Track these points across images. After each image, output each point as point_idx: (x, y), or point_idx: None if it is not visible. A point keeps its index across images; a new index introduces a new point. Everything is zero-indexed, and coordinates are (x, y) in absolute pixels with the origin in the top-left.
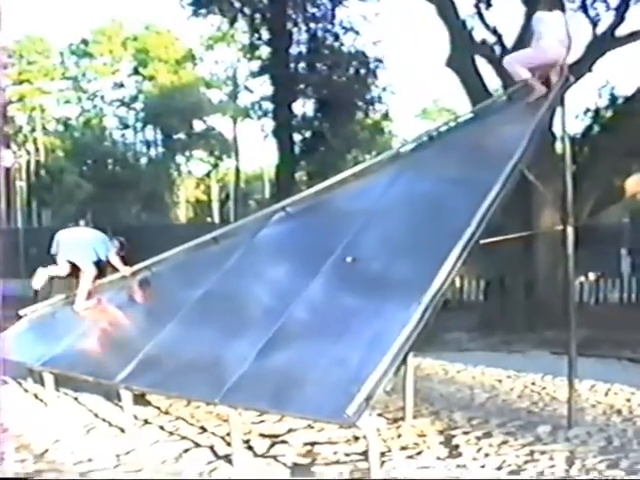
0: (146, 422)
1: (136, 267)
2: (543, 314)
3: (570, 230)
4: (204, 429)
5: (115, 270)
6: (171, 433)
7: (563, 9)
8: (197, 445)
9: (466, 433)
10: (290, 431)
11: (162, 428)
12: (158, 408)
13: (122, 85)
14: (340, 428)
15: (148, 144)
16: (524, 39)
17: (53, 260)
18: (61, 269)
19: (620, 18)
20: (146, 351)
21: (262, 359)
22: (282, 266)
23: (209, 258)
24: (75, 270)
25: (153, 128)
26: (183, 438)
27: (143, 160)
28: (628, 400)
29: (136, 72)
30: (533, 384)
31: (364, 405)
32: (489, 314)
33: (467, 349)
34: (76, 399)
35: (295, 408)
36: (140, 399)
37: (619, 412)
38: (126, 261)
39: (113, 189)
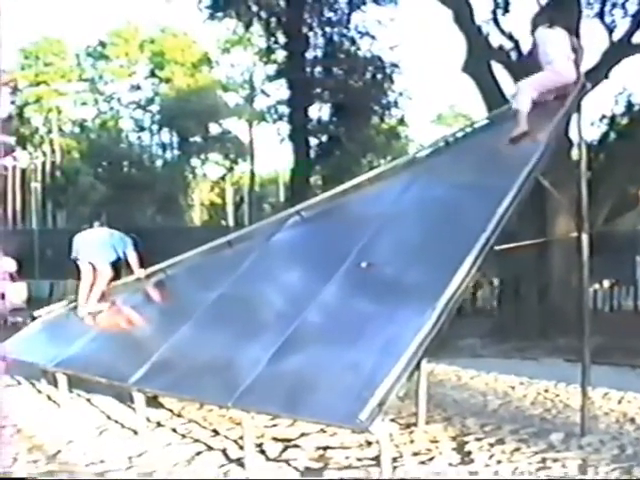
0: (159, 424)
1: (150, 269)
2: (557, 321)
3: (585, 237)
4: (216, 432)
5: (130, 272)
6: (183, 436)
7: (580, 16)
8: (209, 448)
9: (479, 439)
10: (302, 435)
11: (174, 431)
12: (171, 410)
13: (139, 87)
14: (352, 433)
15: (164, 146)
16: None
17: (73, 263)
18: (85, 274)
19: (637, 25)
20: (159, 353)
21: (275, 363)
22: (296, 270)
23: (223, 261)
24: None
25: (169, 131)
26: (195, 441)
27: (158, 162)
28: None
29: (152, 74)
30: (546, 391)
31: (377, 410)
32: (502, 320)
33: (480, 355)
34: (89, 400)
35: (308, 412)
36: (153, 401)
37: (632, 420)
38: (141, 262)
39: (128, 191)
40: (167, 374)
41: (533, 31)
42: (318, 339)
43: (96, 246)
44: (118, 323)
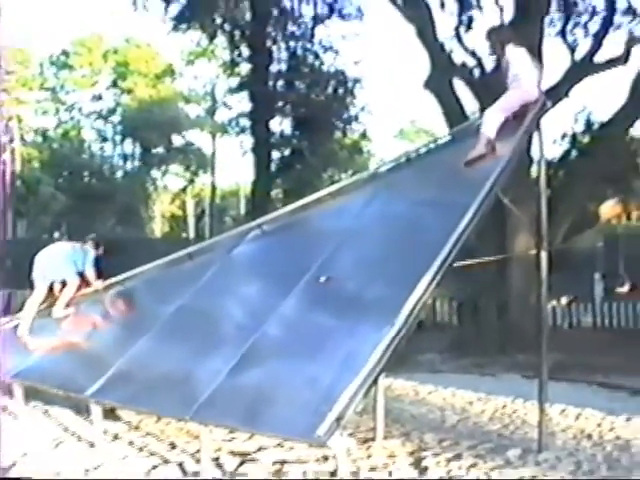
0: (116, 437)
1: (109, 281)
2: (515, 337)
3: (544, 254)
4: (174, 445)
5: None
6: (141, 449)
7: (542, 35)
8: (166, 461)
9: (436, 455)
10: (260, 449)
11: (132, 444)
12: (128, 423)
13: (100, 97)
14: (310, 447)
15: (125, 157)
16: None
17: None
18: (40, 292)
19: (598, 44)
20: (118, 366)
21: (234, 376)
22: (256, 284)
23: (183, 274)
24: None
25: (131, 141)
26: (153, 454)
27: (120, 173)
28: (598, 425)
29: (115, 85)
30: (504, 407)
31: (335, 425)
32: (461, 336)
33: (439, 371)
34: (46, 412)
35: (266, 426)
36: (110, 414)
37: (589, 437)
38: (100, 273)
39: (89, 202)
40: (125, 386)
41: (492, 47)
42: (277, 353)
43: (59, 262)
44: (83, 327)
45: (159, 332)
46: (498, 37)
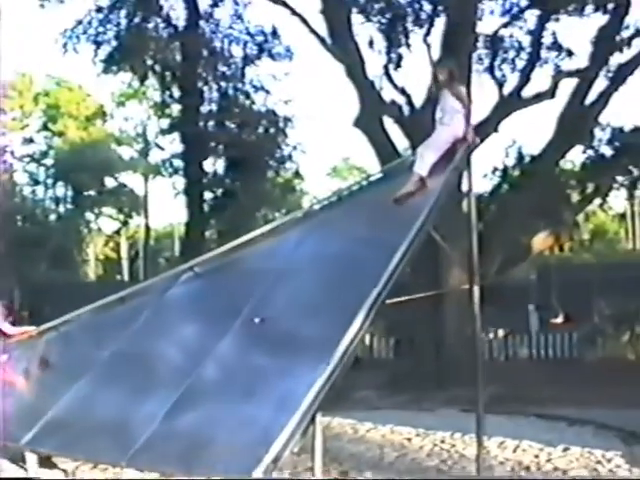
0: (8, 479)
1: (43, 327)
2: (452, 371)
3: (476, 289)
4: None
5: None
6: (62, 478)
7: (470, 70)
8: None
9: None
10: None
11: None
12: (64, 471)
13: (32, 140)
14: None
15: (57, 200)
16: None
17: None
18: None
19: (526, 79)
20: (52, 413)
21: (170, 420)
22: (190, 326)
23: (117, 318)
24: None
25: (64, 184)
26: None
27: (52, 216)
28: (536, 456)
29: (45, 128)
30: (442, 442)
31: (272, 466)
32: (399, 372)
33: (377, 407)
34: None
35: (202, 470)
36: (46, 461)
37: (527, 468)
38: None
39: (21, 246)
40: (60, 433)
41: (436, 79)
42: (213, 395)
43: None
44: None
45: (94, 377)
46: (445, 70)
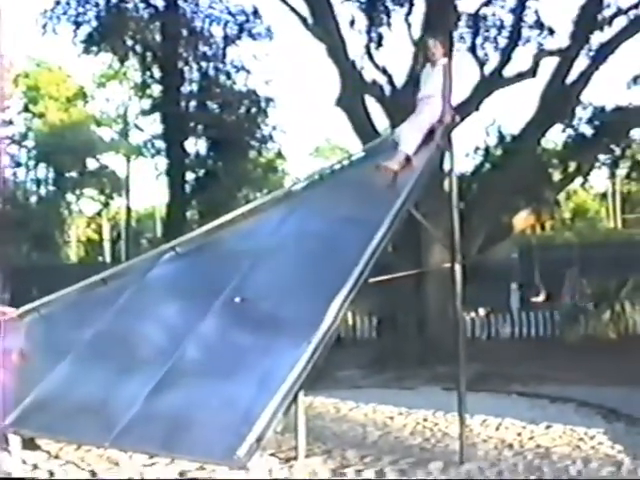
0: (35, 467)
1: (24, 308)
2: (434, 350)
3: (457, 267)
4: (94, 473)
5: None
6: (61, 478)
7: (451, 50)
8: None
9: (358, 471)
10: (181, 474)
11: (52, 473)
12: (48, 452)
13: (11, 122)
14: (232, 469)
15: (39, 182)
16: (413, 79)
17: None
18: None
19: (507, 58)
20: (35, 394)
21: (152, 400)
22: (172, 306)
23: (99, 299)
24: None
25: (45, 166)
26: None
27: (33, 199)
28: (519, 434)
29: (26, 109)
30: (425, 420)
31: (255, 446)
32: (381, 351)
33: (359, 386)
34: None
35: (185, 450)
36: (29, 443)
37: (510, 446)
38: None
39: (2, 228)
40: (43, 414)
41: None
42: (195, 375)
43: None
44: None
45: (76, 358)
46: (438, 45)
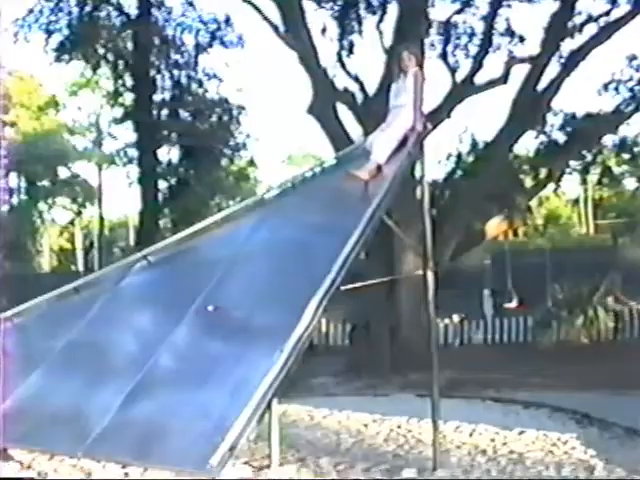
0: (7, 479)
1: None
2: (408, 357)
3: (430, 274)
4: None
5: None
6: (55, 478)
7: (423, 57)
8: None
9: None
10: None
11: None
12: (20, 463)
13: None
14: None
15: (10, 191)
16: (385, 87)
17: None
18: None
19: (478, 65)
20: (7, 404)
21: (125, 410)
22: (144, 315)
23: (71, 308)
24: None
25: (17, 175)
26: None
27: (5, 208)
28: (492, 440)
29: None
30: (399, 427)
31: (228, 454)
32: (354, 358)
33: (333, 394)
34: None
35: (158, 459)
36: (2, 454)
37: (484, 452)
38: None
39: None
40: (15, 425)
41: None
42: (167, 384)
43: None
44: None
45: (48, 368)
46: (412, 56)
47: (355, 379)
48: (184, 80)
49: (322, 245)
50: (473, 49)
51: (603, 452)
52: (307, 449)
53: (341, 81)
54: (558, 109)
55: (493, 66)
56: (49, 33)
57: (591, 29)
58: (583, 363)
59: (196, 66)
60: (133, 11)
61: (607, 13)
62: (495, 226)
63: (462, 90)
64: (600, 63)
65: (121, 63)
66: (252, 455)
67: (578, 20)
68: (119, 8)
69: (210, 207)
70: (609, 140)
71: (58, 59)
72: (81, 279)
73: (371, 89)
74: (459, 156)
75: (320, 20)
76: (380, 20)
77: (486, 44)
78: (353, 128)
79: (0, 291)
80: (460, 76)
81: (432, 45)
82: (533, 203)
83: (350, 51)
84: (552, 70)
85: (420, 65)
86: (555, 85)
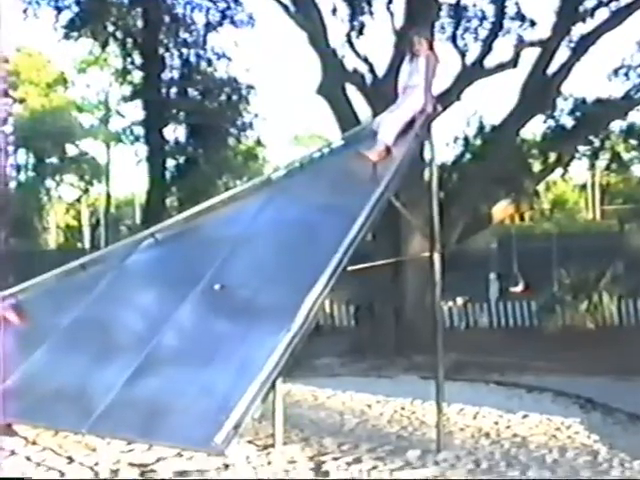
0: (13, 453)
1: (3, 294)
2: (412, 339)
3: (436, 256)
4: (72, 459)
5: None
6: (38, 464)
7: (432, 40)
8: (64, 475)
9: (336, 459)
10: (159, 460)
11: (29, 459)
12: (25, 438)
13: None
14: (209, 456)
15: (18, 168)
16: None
17: None
18: None
19: (488, 48)
20: (12, 380)
21: (130, 387)
22: (150, 293)
23: (77, 285)
24: None
25: (25, 152)
26: (50, 469)
27: (13, 184)
28: (496, 423)
29: (6, 94)
30: (403, 409)
31: (233, 433)
32: (359, 339)
33: (337, 374)
34: None
35: (163, 437)
36: (6, 429)
37: (487, 435)
38: None
39: None
40: (20, 401)
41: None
42: (173, 362)
43: None
44: None
45: (54, 344)
46: (423, 40)
47: (359, 360)
48: (193, 59)
49: (329, 225)
50: (483, 32)
51: (606, 437)
52: (311, 429)
53: (350, 62)
54: (567, 94)
55: (503, 50)
56: (58, 10)
57: (602, 14)
58: (587, 348)
59: (205, 45)
60: None
61: None
62: (502, 210)
63: (472, 73)
64: (611, 48)
65: (130, 41)
66: (256, 434)
67: (589, 4)
68: None
69: (217, 186)
70: (618, 126)
71: (67, 36)
72: (88, 256)
73: (380, 70)
74: (467, 139)
75: (330, 0)
76: (390, 1)
77: (496, 27)
78: (363, 109)
79: (6, 268)
80: (470, 59)
81: (442, 28)
82: (540, 187)
83: (360, 32)
84: (562, 54)
85: (431, 48)
86: (565, 70)
